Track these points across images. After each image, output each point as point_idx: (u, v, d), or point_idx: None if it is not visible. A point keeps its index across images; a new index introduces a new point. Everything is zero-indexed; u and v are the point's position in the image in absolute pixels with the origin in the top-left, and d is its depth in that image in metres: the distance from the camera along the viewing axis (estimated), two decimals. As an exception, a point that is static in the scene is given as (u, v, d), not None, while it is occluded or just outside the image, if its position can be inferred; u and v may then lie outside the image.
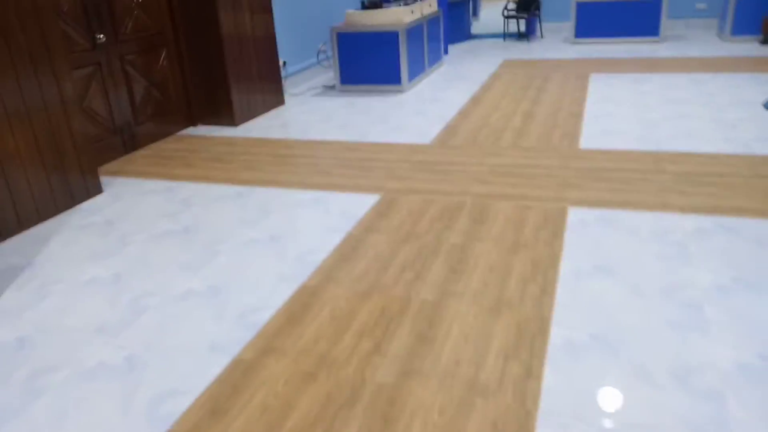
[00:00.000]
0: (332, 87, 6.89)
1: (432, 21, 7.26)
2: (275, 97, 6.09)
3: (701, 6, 9.18)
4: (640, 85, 6.05)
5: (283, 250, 3.13)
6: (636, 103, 5.41)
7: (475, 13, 12.01)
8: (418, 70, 6.83)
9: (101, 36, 4.53)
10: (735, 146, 4.16)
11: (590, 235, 3.04)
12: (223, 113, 5.48)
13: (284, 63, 6.70)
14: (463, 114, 5.43)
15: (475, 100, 5.88)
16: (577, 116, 5.11)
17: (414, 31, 6.61)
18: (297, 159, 4.50)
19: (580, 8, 8.53)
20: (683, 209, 3.26)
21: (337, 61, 6.60)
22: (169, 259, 3.13)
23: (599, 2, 8.45)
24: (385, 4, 6.79)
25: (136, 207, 3.84)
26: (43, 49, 3.61)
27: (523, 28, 9.75)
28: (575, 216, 3.26)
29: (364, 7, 6.55)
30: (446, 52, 8.59)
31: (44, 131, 3.65)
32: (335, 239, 3.21)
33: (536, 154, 4.26)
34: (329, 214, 3.53)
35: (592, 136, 4.58)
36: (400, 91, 6.48)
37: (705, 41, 8.23)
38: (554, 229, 3.13)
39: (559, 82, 6.38)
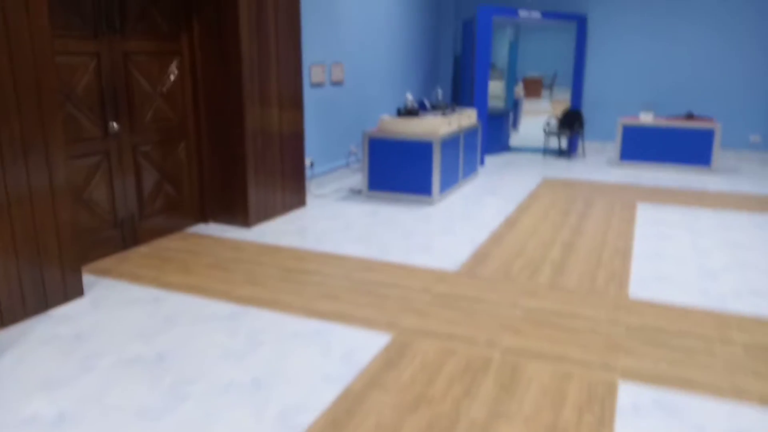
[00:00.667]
0: (359, 192, 6.52)
1: (470, 133, 6.95)
2: (296, 198, 5.72)
3: (756, 138, 8.75)
4: (694, 221, 5.50)
5: (265, 403, 2.56)
6: (691, 243, 4.84)
7: (515, 125, 11.81)
8: (450, 181, 6.44)
9: (115, 124, 4.25)
10: (816, 313, 3.53)
11: (647, 430, 2.41)
12: (238, 212, 5.09)
13: (311, 163, 6.39)
14: (497, 237, 4.94)
15: (511, 222, 5.40)
16: (624, 254, 4.55)
17: (450, 143, 6.27)
18: (306, 275, 4.02)
19: (627, 131, 8.18)
20: (763, 399, 2.62)
21: (366, 166, 6.26)
22: (128, 399, 2.58)
23: (647, 126, 8.09)
24: (422, 112, 6.52)
25: (113, 320, 3.35)
26: (38, 134, 3.29)
27: (564, 144, 9.43)
28: (627, 396, 2.64)
29: (400, 113, 6.28)
30: (482, 162, 8.25)
31: (25, 222, 3.26)
32: (330, 393, 2.64)
33: (579, 300, 3.69)
34: (329, 354, 2.98)
35: (643, 282, 4.01)
36: (430, 203, 6.06)
37: (761, 176, 7.72)
38: (601, 413, 2.51)
39: (604, 210, 5.88)
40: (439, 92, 7.13)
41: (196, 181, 5.08)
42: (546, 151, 9.34)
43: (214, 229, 5.04)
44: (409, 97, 6.32)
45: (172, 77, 4.69)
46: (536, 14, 8.65)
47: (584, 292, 3.81)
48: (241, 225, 5.10)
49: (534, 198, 6.36)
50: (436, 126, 6.00)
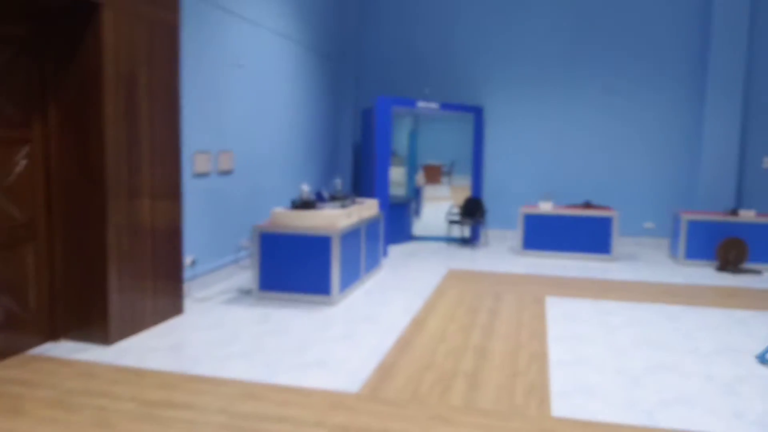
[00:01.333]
0: (248, 292, 5.84)
1: (372, 224, 6.54)
2: (172, 305, 4.94)
3: (649, 225, 8.98)
4: (606, 316, 5.26)
5: None
6: (608, 343, 4.54)
7: (417, 213, 11.65)
8: (352, 278, 5.92)
9: (-70, 226, 3.42)
10: (750, 426, 3.21)
11: None
12: (95, 327, 4.25)
13: (193, 261, 5.67)
14: (403, 343, 4.40)
15: (418, 324, 4.90)
16: (540, 359, 4.14)
17: (350, 237, 5.80)
18: (172, 411, 3.25)
19: (528, 220, 8.11)
20: None
21: (257, 264, 5.62)
22: None
23: (548, 215, 8.07)
24: (319, 204, 6.05)
25: None
26: None
27: (467, 232, 9.26)
28: None
29: (294, 205, 5.77)
30: (386, 254, 7.83)
31: None
32: None
33: (499, 423, 3.18)
34: None
35: (565, 395, 3.58)
36: (330, 303, 5.47)
37: (659, 263, 7.80)
38: None
39: (513, 306, 5.54)
40: (338, 182, 6.73)
41: (46, 290, 4.23)
42: (449, 240, 9.11)
43: (64, 349, 4.16)
44: (305, 187, 5.84)
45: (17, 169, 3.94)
46: (434, 105, 8.64)
47: (504, 412, 3.31)
48: (99, 342, 4.25)
49: (440, 293, 5.94)
50: (334, 218, 5.52)
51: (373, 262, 6.71)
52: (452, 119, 11.21)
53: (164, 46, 4.67)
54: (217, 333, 4.58)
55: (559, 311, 5.38)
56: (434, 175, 19.50)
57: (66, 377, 3.65)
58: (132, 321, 4.45)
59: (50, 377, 3.65)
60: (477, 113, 9.14)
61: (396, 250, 8.32)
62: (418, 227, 10.01)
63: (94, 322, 4.25)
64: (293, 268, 5.54)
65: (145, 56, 4.45)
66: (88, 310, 4.25)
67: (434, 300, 5.69)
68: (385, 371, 3.86)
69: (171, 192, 4.84)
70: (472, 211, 8.95)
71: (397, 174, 11.26)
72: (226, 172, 6.20)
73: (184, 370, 3.81)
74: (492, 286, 6.30)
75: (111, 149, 4.14)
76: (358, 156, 9.96)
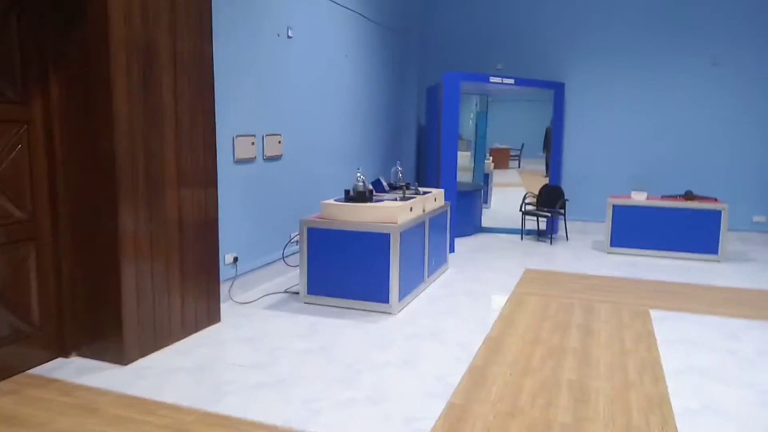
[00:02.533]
0: (297, 294, 5.10)
1: (437, 217, 5.65)
2: (206, 312, 4.25)
3: (759, 218, 7.68)
4: (733, 341, 4.20)
5: None
6: (747, 382, 3.51)
7: (486, 201, 10.66)
8: (414, 281, 5.07)
9: None
10: None
11: None
12: (110, 341, 3.60)
13: (235, 259, 4.97)
14: (476, 376, 3.53)
15: (493, 346, 4.01)
16: (661, 405, 3.18)
17: (411, 233, 4.94)
18: (179, 469, 2.52)
19: (618, 213, 7.01)
20: None
21: (305, 264, 4.86)
22: None
23: (642, 207, 6.94)
24: (377, 195, 5.22)
25: None
26: None
27: (543, 224, 8.23)
28: None
29: (348, 197, 4.96)
30: (452, 249, 6.94)
31: None
32: None
33: None
34: None
35: (705, 466, 2.62)
36: (387, 313, 4.65)
37: (777, 266, 6.57)
38: None
39: (610, 321, 4.56)
40: (399, 169, 5.88)
41: (52, 298, 3.59)
42: (524, 233, 8.10)
43: (73, 369, 3.52)
44: (361, 176, 5.01)
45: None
46: (509, 81, 7.61)
47: (622, 494, 2.40)
48: (114, 361, 3.59)
49: (518, 301, 5.00)
50: (394, 212, 4.68)
51: (439, 261, 5.83)
52: (523, 98, 10.21)
53: (192, 10, 3.92)
54: (254, 350, 3.84)
55: (669, 331, 4.36)
56: (503, 159, 18.35)
57: (61, 411, 2.99)
58: (155, 334, 3.77)
59: (42, 411, 2.99)
60: (557, 89, 8.05)
61: (464, 245, 7.41)
62: (488, 218, 9.04)
63: (108, 336, 3.59)
64: (345, 269, 4.75)
65: (166, 21, 3.71)
66: (101, 322, 3.60)
67: (511, 311, 4.77)
68: (453, 417, 3.01)
69: (204, 180, 4.13)
70: (551, 200, 7.91)
71: (463, 159, 10.35)
72: (273, 158, 5.46)
73: (204, 404, 3.08)
74: (579, 293, 5.31)
75: (122, 130, 3.43)
76: (422, 140, 9.06)
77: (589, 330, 4.35)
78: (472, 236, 8.07)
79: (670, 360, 3.81)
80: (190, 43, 3.91)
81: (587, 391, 3.32)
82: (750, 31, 7.49)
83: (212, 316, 4.33)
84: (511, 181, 15.77)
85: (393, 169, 5.94)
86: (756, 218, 7.72)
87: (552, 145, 8.24)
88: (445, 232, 6.03)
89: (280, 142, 5.55)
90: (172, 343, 3.93)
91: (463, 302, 5.00)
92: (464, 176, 9.88)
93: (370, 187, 5.17)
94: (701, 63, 7.68)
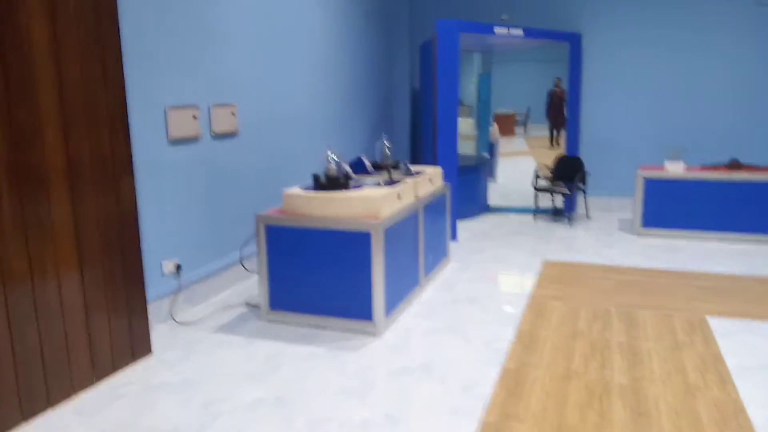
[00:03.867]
0: (256, 307, 4.04)
1: (434, 204, 4.55)
2: (128, 343, 3.19)
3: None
4: (829, 364, 3.13)
5: None
6: None
7: (492, 174, 9.53)
8: (404, 288, 4.00)
9: None
10: None
11: None
12: (-30, 408, 2.54)
13: (177, 267, 3.90)
14: (490, 441, 2.47)
15: (511, 386, 2.95)
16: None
17: (401, 228, 3.84)
18: None
19: (651, 187, 5.88)
20: None
21: (265, 272, 3.79)
22: None
23: (679, 180, 5.81)
24: (355, 180, 4.11)
25: None
26: None
27: (560, 202, 7.12)
28: None
29: (318, 184, 3.84)
30: (454, 237, 5.85)
31: None
32: None
33: None
34: None
35: None
36: (370, 334, 3.59)
37: None
38: None
39: (661, 340, 3.49)
40: (386, 144, 4.76)
41: None
42: (537, 212, 7.00)
43: None
44: (332, 155, 3.89)
45: None
46: (517, 32, 6.41)
47: None
48: (-24, 434, 2.55)
49: (538, 310, 3.93)
50: (376, 203, 3.57)
51: (438, 256, 4.75)
52: (530, 57, 9.08)
53: (75, -72, 2.76)
54: (184, 404, 2.79)
55: (741, 352, 3.29)
56: (507, 126, 17.12)
57: None
58: (45, 387, 2.71)
59: None
60: (573, 42, 6.85)
61: (468, 229, 6.32)
62: (495, 194, 7.94)
63: (-36, 401, 2.53)
64: (317, 278, 3.67)
65: (31, -59, 2.56)
66: (-45, 381, 2.54)
67: (530, 326, 3.70)
68: None
69: (113, 168, 3.03)
70: (569, 174, 6.78)
71: (465, 126, 9.25)
72: (225, 135, 4.34)
73: None
74: (614, 295, 4.23)
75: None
76: (416, 107, 7.89)
77: (636, 354, 3.28)
78: (478, 218, 6.97)
79: (755, 400, 2.74)
80: (74, -22, 2.76)
81: (655, 472, 2.26)
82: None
83: (139, 347, 3.27)
84: (518, 149, 14.60)
85: (378, 144, 4.82)
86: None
87: (568, 107, 7.06)
88: (445, 219, 4.94)
89: (233, 113, 4.42)
90: (75, 394, 2.87)
91: (468, 313, 3.93)
92: (467, 146, 8.79)
93: (347, 169, 4.06)
94: (744, 2, 6.45)
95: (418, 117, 7.81)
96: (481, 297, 4.24)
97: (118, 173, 3.07)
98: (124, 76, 3.07)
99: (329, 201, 3.63)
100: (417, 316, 3.88)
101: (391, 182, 4.03)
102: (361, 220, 3.52)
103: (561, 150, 7.41)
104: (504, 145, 12.89)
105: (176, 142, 3.88)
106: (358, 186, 3.86)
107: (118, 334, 3.13)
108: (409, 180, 4.16)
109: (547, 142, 9.60)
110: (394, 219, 3.70)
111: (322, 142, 5.60)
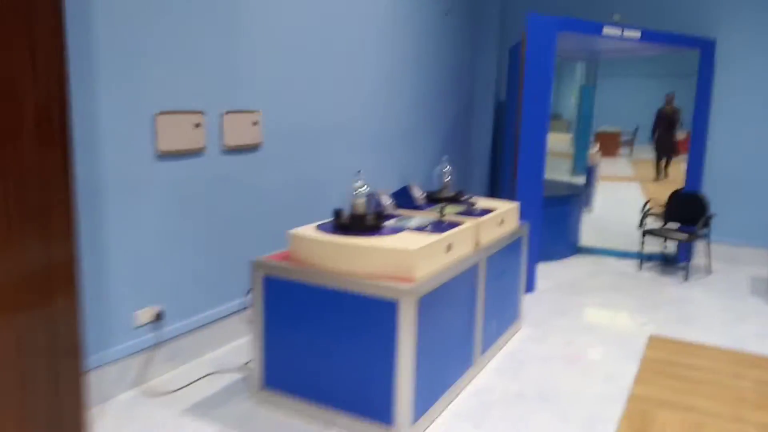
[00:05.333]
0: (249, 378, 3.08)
1: (502, 254, 3.42)
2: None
3: None
4: None
5: None
6: None
7: (588, 202, 8.15)
8: (445, 378, 2.90)
9: None
10: None
11: None
12: None
13: (158, 315, 3.03)
14: None
15: None
16: None
17: (447, 292, 2.76)
18: None
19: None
20: None
21: (260, 338, 2.83)
22: None
23: None
24: (401, 215, 3.06)
25: None
26: None
27: (671, 245, 5.71)
28: None
29: (338, 224, 2.82)
30: (532, 287, 4.67)
31: None
32: None
33: None
34: None
35: None
36: (391, 442, 2.54)
37: None
38: None
39: None
40: (445, 167, 3.69)
41: None
42: (642, 257, 5.63)
43: None
44: (361, 184, 2.86)
45: None
46: (633, 34, 5.13)
47: None
48: None
49: (639, 424, 2.70)
50: (410, 259, 2.51)
51: (504, 321, 3.61)
52: (641, 68, 7.84)
53: None
54: None
55: None
56: (610, 146, 15.39)
57: None
58: None
59: None
60: (705, 49, 5.45)
61: (552, 276, 5.10)
62: (590, 230, 6.63)
63: None
64: (324, 355, 2.67)
65: None
66: None
67: (629, 457, 2.49)
68: None
69: (36, 198, 2.16)
70: (688, 214, 5.40)
71: (561, 143, 8.00)
72: (242, 149, 3.43)
73: None
74: (755, 407, 2.92)
75: None
76: (499, 124, 6.72)
77: None
78: (566, 261, 5.72)
79: None
80: None
81: None
82: None
83: (70, 436, 2.39)
84: (621, 173, 12.91)
85: (437, 170, 3.76)
86: None
87: (692, 129, 5.66)
88: (518, 271, 3.78)
89: (256, 123, 3.51)
90: None
91: (536, 421, 2.77)
92: (560, 167, 7.59)
93: (385, 203, 3.03)
94: None
95: (500, 136, 6.65)
96: (557, 392, 3.06)
97: (47, 202, 2.21)
98: (66, 66, 2.20)
99: (347, 250, 2.61)
100: (461, 419, 2.77)
101: (440, 225, 2.95)
102: (386, 282, 2.48)
103: (671, 183, 6.02)
104: (605, 167, 11.34)
105: (168, 156, 3.01)
106: (395, 230, 2.81)
107: (34, 421, 2.26)
108: (469, 221, 3.07)
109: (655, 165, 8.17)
110: (437, 280, 2.63)
111: (374, 162, 4.60)
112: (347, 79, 4.22)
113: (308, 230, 2.81)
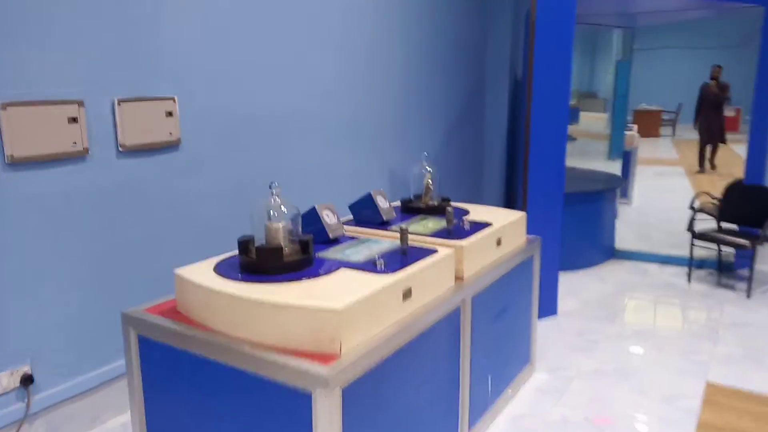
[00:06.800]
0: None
1: (500, 286, 2.48)
2: None
3: None
4: None
5: None
6: None
7: (625, 193, 7.10)
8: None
9: None
10: None
11: None
12: None
13: (24, 379, 2.21)
14: None
15: None
16: None
17: (401, 365, 1.85)
18: None
19: None
20: None
21: (140, 416, 1.98)
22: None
23: None
24: (356, 238, 2.17)
25: None
26: None
27: (728, 251, 4.65)
28: None
29: (243, 262, 1.93)
30: (553, 309, 3.72)
31: None
32: None
33: None
34: None
35: None
36: None
37: None
38: None
39: None
40: (426, 170, 2.77)
41: None
42: (693, 265, 4.57)
43: None
44: (276, 197, 1.96)
45: None
46: (677, -12, 4.07)
47: None
48: None
49: None
50: (333, 324, 1.61)
51: (506, 374, 2.68)
52: (683, 40, 6.80)
53: None
54: None
55: None
56: (650, 125, 14.09)
57: None
58: None
59: None
60: (771, 7, 4.36)
61: (579, 292, 4.13)
62: (627, 228, 5.62)
63: None
64: (222, 453, 1.80)
65: None
66: None
67: None
68: None
69: None
70: (751, 213, 4.34)
71: (596, 122, 7.10)
72: (148, 149, 2.57)
73: None
74: None
75: None
76: (516, 109, 5.69)
77: None
78: (597, 268, 4.72)
79: None
80: None
81: None
82: None
83: None
84: (663, 156, 11.65)
85: (415, 171, 2.84)
86: None
87: (753, 111, 4.58)
88: (528, 303, 2.85)
89: (171, 113, 2.64)
90: None
91: None
92: (595, 150, 6.68)
93: (331, 222, 2.15)
94: None
95: (516, 124, 5.64)
96: (575, 489, 2.14)
97: None
98: None
99: (246, 307, 1.72)
100: None
101: (400, 256, 2.03)
102: (298, 360, 1.59)
103: (718, 176, 4.97)
104: (645, 148, 10.08)
105: (26, 164, 2.17)
106: (331, 267, 1.92)
107: None
108: (445, 248, 2.14)
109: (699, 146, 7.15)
110: (383, 349, 1.72)
111: (352, 161, 3.68)
112: (309, 51, 3.30)
113: (202, 270, 1.94)
